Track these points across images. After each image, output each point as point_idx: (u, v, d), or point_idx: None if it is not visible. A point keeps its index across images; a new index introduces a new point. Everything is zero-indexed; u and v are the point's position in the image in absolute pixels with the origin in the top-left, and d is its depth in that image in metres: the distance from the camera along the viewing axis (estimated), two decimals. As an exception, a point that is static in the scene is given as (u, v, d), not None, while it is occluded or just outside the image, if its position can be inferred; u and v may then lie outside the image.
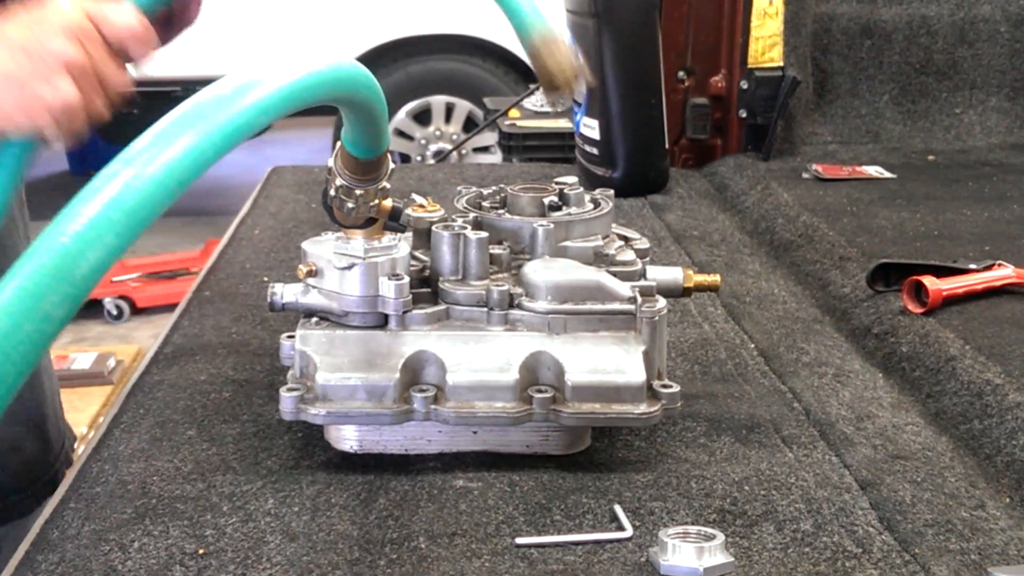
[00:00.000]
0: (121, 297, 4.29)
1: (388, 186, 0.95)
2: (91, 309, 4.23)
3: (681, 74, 2.20)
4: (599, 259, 1.04)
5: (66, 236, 0.58)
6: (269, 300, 1.00)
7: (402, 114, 5.00)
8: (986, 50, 2.40)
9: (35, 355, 0.57)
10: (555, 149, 2.67)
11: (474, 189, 1.12)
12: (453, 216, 1.05)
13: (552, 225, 1.03)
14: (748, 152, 2.21)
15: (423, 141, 5.05)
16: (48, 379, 1.36)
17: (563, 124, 2.65)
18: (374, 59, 4.82)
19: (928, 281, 1.32)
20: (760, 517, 0.92)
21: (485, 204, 1.10)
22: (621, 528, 0.90)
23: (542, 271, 0.99)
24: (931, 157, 2.25)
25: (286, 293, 1.00)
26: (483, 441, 1.00)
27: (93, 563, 0.86)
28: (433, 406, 0.95)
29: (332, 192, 0.94)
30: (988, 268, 1.40)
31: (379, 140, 0.90)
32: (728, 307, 1.41)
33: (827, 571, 0.85)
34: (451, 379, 0.95)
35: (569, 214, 1.06)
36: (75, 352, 3.60)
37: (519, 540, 0.88)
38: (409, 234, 1.05)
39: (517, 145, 2.75)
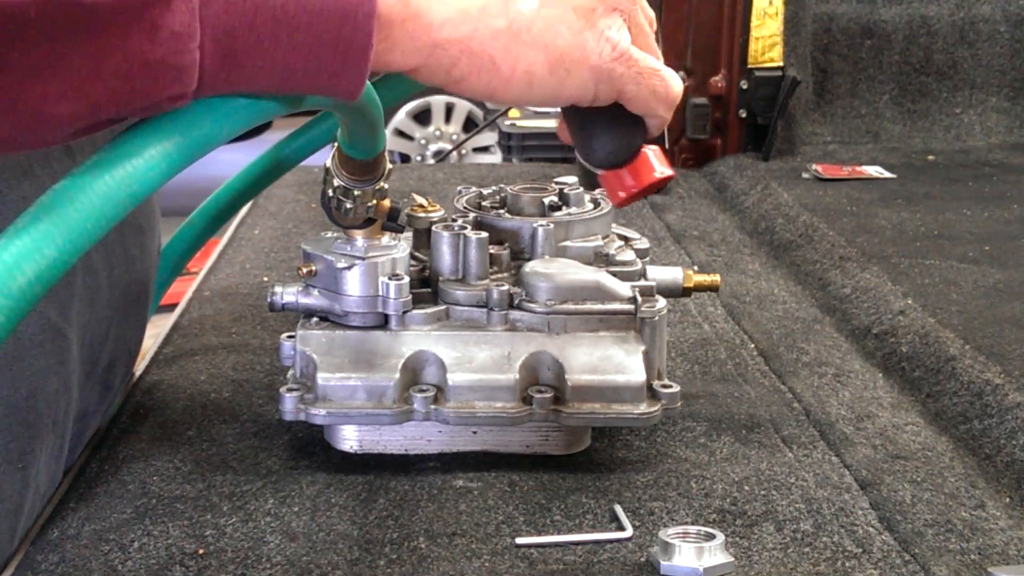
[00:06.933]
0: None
1: (386, 186, 0.95)
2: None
3: (681, 74, 2.20)
4: (599, 259, 1.04)
5: (3, 248, 0.57)
6: (269, 300, 1.00)
7: (402, 114, 4.99)
8: (986, 50, 2.40)
9: None
10: (555, 149, 2.68)
11: (474, 189, 1.12)
12: (453, 216, 1.05)
13: (552, 225, 1.03)
14: (748, 152, 2.21)
15: (423, 141, 5.05)
16: None
17: (563, 124, 2.65)
18: (374, 59, 4.81)
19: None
20: (760, 517, 0.92)
21: (485, 204, 1.10)
22: (621, 528, 0.90)
23: (542, 271, 0.99)
24: (931, 157, 2.25)
25: (286, 293, 1.00)
26: (483, 441, 1.00)
27: (93, 563, 0.86)
28: (433, 406, 0.95)
29: (329, 193, 0.94)
30: None
31: (375, 142, 0.89)
32: (728, 307, 1.41)
33: (827, 571, 0.85)
34: (451, 379, 0.95)
35: (569, 214, 1.06)
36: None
37: (519, 540, 0.88)
38: (409, 234, 1.04)
39: (517, 145, 2.76)
